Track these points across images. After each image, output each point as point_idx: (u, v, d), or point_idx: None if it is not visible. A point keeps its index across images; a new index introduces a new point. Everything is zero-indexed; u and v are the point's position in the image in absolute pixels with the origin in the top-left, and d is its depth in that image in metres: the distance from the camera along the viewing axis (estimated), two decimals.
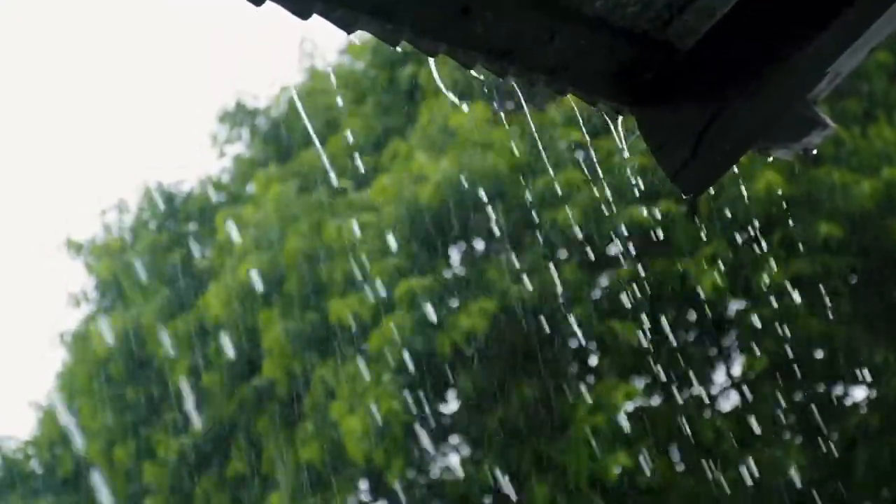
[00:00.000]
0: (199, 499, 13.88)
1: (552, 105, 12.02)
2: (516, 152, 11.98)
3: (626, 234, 11.70)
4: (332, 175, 13.44)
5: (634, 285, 11.62)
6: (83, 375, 14.88)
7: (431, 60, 2.03)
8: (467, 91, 12.40)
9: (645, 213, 11.51)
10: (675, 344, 12.17)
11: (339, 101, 14.28)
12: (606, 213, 11.75)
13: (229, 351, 13.35)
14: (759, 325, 11.75)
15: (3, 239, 33.58)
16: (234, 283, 13.13)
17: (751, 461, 11.73)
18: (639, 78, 2.27)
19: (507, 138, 12.06)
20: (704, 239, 11.68)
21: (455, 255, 12.96)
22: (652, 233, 11.45)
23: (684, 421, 12.14)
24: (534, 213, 11.73)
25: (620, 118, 2.38)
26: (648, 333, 11.77)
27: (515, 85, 2.19)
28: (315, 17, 1.80)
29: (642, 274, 11.62)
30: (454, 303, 12.07)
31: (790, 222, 11.80)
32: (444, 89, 12.24)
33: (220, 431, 13.63)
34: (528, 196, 11.75)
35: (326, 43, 15.85)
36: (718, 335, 12.78)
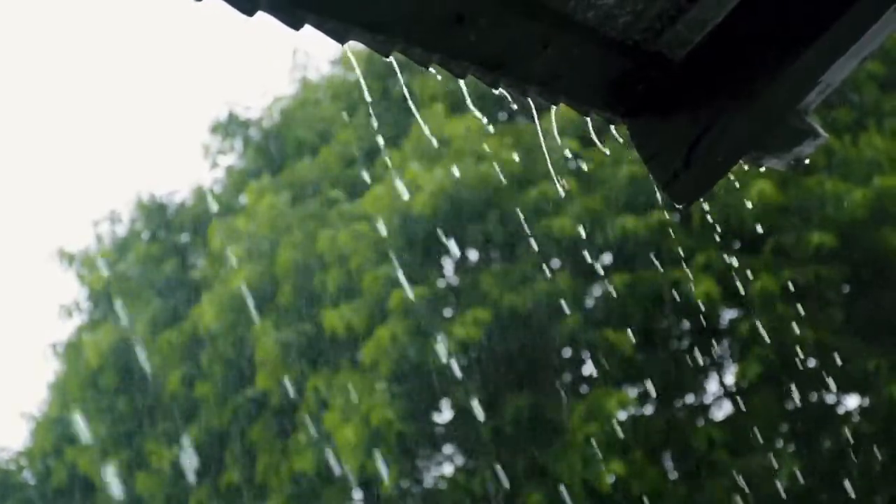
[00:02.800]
0: None
1: (545, 115, 12.01)
2: (510, 161, 11.98)
3: (619, 242, 11.71)
4: (325, 185, 13.43)
5: (627, 294, 11.63)
6: (76, 386, 14.84)
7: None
8: (461, 101, 12.40)
9: (637, 222, 11.52)
10: (667, 352, 12.17)
11: (332, 111, 14.27)
12: (599, 223, 11.76)
13: (222, 361, 13.33)
14: (751, 333, 11.75)
15: None
16: (227, 293, 13.11)
17: (744, 469, 11.72)
18: (631, 88, 2.28)
19: (500, 148, 12.06)
20: (697, 248, 11.69)
21: (448, 264, 12.95)
22: (645, 241, 11.46)
23: (677, 429, 12.14)
24: (527, 222, 11.73)
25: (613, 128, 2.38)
26: (641, 342, 11.77)
27: (508, 95, 2.19)
28: (307, 28, 1.80)
29: (635, 282, 11.63)
30: (448, 312, 12.07)
31: (782, 231, 11.81)
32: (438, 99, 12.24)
33: (213, 441, 13.59)
34: (522, 205, 11.76)
35: (319, 53, 15.83)
36: (711, 344, 12.78)
